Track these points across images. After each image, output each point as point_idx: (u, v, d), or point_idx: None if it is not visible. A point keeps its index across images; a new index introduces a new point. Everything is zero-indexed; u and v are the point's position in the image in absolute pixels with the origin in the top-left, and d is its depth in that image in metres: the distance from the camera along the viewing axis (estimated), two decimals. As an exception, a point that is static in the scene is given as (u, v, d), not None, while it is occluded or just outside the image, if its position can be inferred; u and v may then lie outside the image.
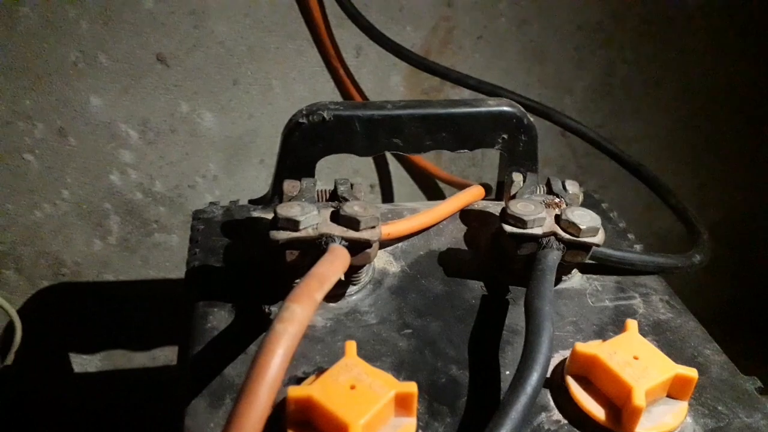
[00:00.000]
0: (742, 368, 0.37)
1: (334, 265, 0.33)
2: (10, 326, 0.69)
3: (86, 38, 0.61)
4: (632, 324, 0.35)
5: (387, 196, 0.76)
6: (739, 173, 0.88)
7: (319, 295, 0.29)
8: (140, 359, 0.78)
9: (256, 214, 0.46)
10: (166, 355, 0.79)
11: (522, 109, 0.46)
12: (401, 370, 0.34)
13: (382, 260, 0.42)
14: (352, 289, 0.39)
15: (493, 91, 0.64)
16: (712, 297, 0.96)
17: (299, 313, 0.27)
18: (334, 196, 0.41)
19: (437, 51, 0.69)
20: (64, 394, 0.77)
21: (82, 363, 0.77)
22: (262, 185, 0.71)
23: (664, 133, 0.83)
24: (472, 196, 0.47)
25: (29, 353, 0.68)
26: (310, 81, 0.67)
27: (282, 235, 0.35)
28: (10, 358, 0.64)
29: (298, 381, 0.33)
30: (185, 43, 0.63)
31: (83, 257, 0.71)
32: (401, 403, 0.30)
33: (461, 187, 0.72)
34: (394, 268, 0.42)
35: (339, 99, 0.69)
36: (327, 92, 0.68)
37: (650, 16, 0.74)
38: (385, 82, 0.70)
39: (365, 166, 0.73)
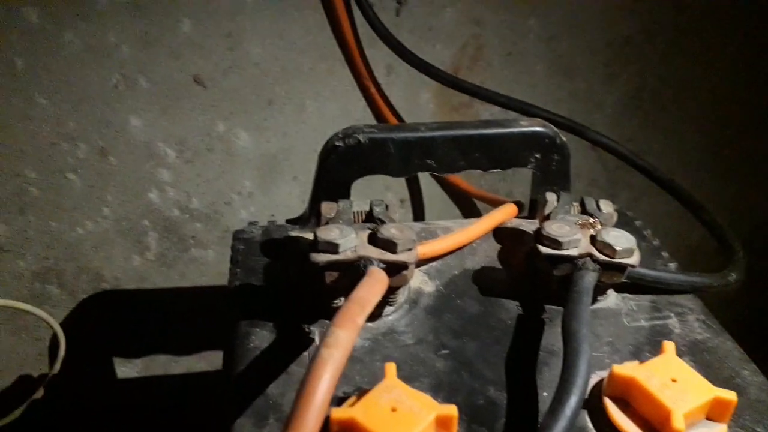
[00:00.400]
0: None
1: (373, 288, 0.34)
2: (55, 338, 0.71)
3: (127, 62, 0.63)
4: (669, 346, 0.35)
5: (417, 210, 0.76)
6: (773, 184, 0.87)
7: (361, 319, 0.30)
8: (181, 365, 0.80)
9: (294, 233, 0.47)
10: (204, 361, 0.81)
11: (554, 128, 0.46)
12: (439, 391, 0.35)
13: (417, 280, 0.43)
14: (388, 309, 0.40)
15: (522, 108, 0.64)
16: (745, 307, 0.95)
17: (343, 338, 0.28)
18: (370, 217, 0.42)
19: (467, 68, 0.70)
20: (108, 399, 0.80)
21: (124, 370, 0.79)
22: (295, 201, 0.73)
23: (695, 145, 0.82)
24: (505, 214, 0.48)
25: (74, 362, 0.70)
26: (342, 100, 0.68)
27: (322, 257, 0.36)
28: (56, 368, 0.66)
29: (339, 401, 0.33)
30: (221, 64, 0.64)
31: (122, 272, 0.73)
32: (442, 425, 0.31)
33: (491, 202, 0.73)
34: (429, 287, 0.43)
35: (370, 116, 0.70)
36: (358, 110, 0.69)
37: (680, 29, 0.74)
38: (415, 100, 0.71)
39: (396, 181, 0.74)
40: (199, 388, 0.82)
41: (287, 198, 0.72)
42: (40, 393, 0.66)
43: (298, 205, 0.73)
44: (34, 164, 0.66)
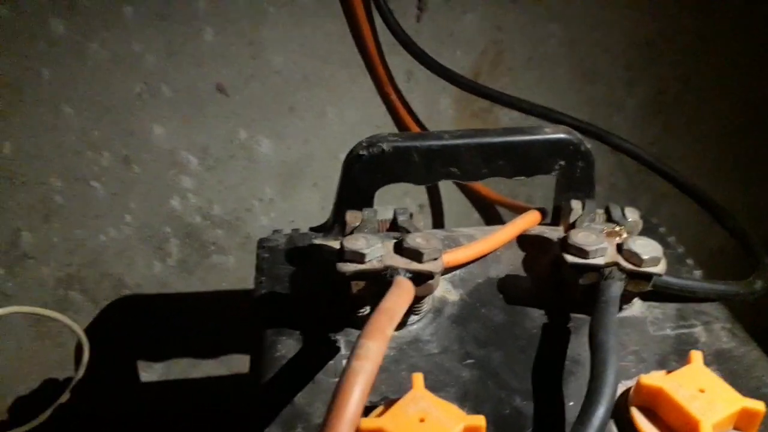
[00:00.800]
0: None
1: (401, 298, 0.34)
2: (77, 344, 0.72)
3: (150, 71, 0.64)
4: (697, 355, 0.35)
5: (437, 216, 0.77)
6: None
7: (390, 330, 0.31)
8: (201, 369, 0.81)
9: (318, 241, 0.47)
10: (224, 366, 0.82)
11: (579, 135, 0.46)
12: (465, 401, 0.35)
13: (441, 288, 0.43)
14: (413, 318, 0.40)
15: (543, 113, 0.64)
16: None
17: (373, 350, 0.28)
18: (394, 225, 0.42)
19: (487, 73, 0.70)
20: (130, 404, 0.81)
21: (145, 374, 0.80)
22: (315, 208, 0.73)
23: (716, 149, 0.81)
24: (528, 222, 0.48)
25: (96, 367, 0.71)
26: (363, 106, 0.69)
27: (348, 267, 0.37)
28: (79, 373, 0.67)
29: (366, 411, 0.34)
30: (243, 73, 0.65)
31: (144, 279, 0.74)
32: (470, 435, 0.31)
33: (512, 208, 0.73)
34: (454, 296, 0.43)
35: (390, 123, 0.70)
36: (379, 116, 0.69)
37: (701, 32, 0.73)
38: (436, 106, 0.71)
39: (414, 187, 0.74)
40: (219, 392, 0.83)
41: (308, 204, 0.73)
42: (63, 398, 0.67)
43: (319, 212, 0.73)
44: (59, 172, 0.67)
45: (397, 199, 0.74)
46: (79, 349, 0.70)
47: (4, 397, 0.77)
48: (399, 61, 0.68)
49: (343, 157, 0.45)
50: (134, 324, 0.77)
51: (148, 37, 0.62)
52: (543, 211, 0.50)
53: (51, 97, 0.63)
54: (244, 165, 0.70)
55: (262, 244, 0.48)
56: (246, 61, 0.65)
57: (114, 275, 0.73)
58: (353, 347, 0.28)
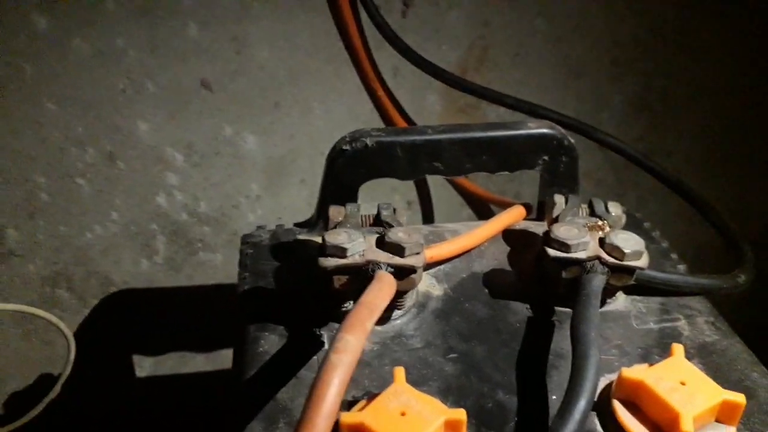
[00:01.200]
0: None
1: (382, 292, 0.34)
2: (64, 342, 0.72)
3: (134, 66, 0.63)
4: (678, 348, 0.35)
5: (426, 212, 0.77)
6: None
7: (370, 324, 0.30)
8: (189, 366, 0.81)
9: (302, 237, 0.47)
10: (211, 362, 0.81)
11: (562, 130, 0.46)
12: (448, 395, 0.35)
13: (425, 283, 0.43)
14: (396, 313, 0.40)
15: (530, 108, 0.64)
16: (755, 309, 0.94)
17: (353, 343, 0.28)
18: (377, 221, 0.42)
19: (473, 69, 0.70)
20: (117, 401, 0.80)
21: (133, 371, 0.80)
22: (302, 204, 0.73)
23: (703, 144, 0.82)
24: (513, 217, 0.48)
25: (83, 365, 0.70)
26: (349, 102, 0.69)
27: (330, 262, 0.37)
28: (66, 371, 0.67)
29: (348, 405, 0.34)
30: (228, 68, 0.65)
31: (131, 276, 0.74)
32: (451, 429, 0.31)
33: (499, 204, 0.73)
34: (437, 291, 0.43)
35: (377, 118, 0.70)
36: (365, 112, 0.69)
37: (687, 28, 0.74)
38: (422, 101, 0.71)
39: (403, 184, 0.74)
40: (207, 388, 0.83)
41: (295, 201, 0.73)
42: (50, 396, 0.67)
43: (306, 208, 0.73)
44: (43, 169, 0.66)
45: (386, 196, 0.74)
46: (64, 347, 0.70)
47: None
48: (385, 57, 0.67)
49: (329, 152, 0.45)
50: (121, 321, 0.76)
51: (131, 32, 0.62)
52: (528, 207, 0.50)
53: (33, 93, 0.63)
54: (229, 161, 0.69)
55: (245, 240, 0.47)
56: (231, 57, 0.64)
57: (101, 273, 0.73)
58: (332, 341, 0.28)
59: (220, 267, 0.75)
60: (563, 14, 0.69)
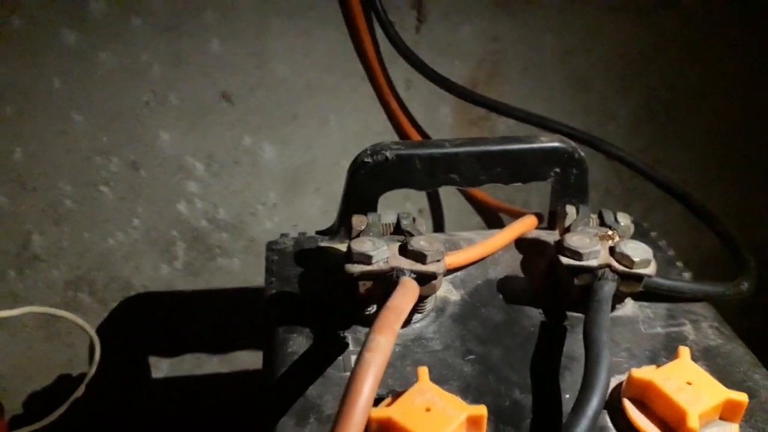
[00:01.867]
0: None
1: (406, 297, 0.36)
2: (87, 343, 0.74)
3: (157, 80, 0.66)
4: (684, 351, 0.37)
5: (437, 220, 0.79)
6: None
7: (398, 326, 0.33)
8: (206, 368, 0.83)
9: (324, 244, 0.49)
10: (232, 361, 0.84)
11: (573, 144, 0.48)
12: (467, 393, 0.37)
13: (443, 289, 0.45)
14: (417, 317, 0.42)
15: (539, 121, 0.66)
16: (760, 315, 0.96)
17: (383, 343, 0.30)
18: (397, 229, 0.44)
19: (484, 83, 0.72)
20: (140, 400, 0.83)
21: (152, 372, 0.82)
22: (317, 212, 0.75)
23: (707, 155, 0.84)
24: (525, 226, 0.50)
25: (105, 367, 0.73)
26: (364, 114, 0.71)
27: (356, 268, 0.39)
28: (90, 372, 0.69)
29: (375, 402, 0.36)
30: (248, 81, 0.67)
31: (151, 281, 0.76)
32: (472, 424, 0.33)
33: (508, 212, 0.75)
34: (455, 296, 0.45)
35: (391, 130, 0.72)
36: (379, 124, 0.72)
37: (691, 42, 0.76)
38: (435, 114, 0.73)
39: (415, 192, 0.76)
40: (224, 389, 0.85)
41: (310, 209, 0.75)
42: (74, 396, 0.69)
43: (320, 216, 0.75)
44: (69, 178, 0.69)
45: (398, 203, 0.76)
46: (89, 348, 0.72)
47: (15, 395, 0.79)
48: (399, 71, 0.70)
49: (344, 163, 0.47)
50: (141, 324, 0.79)
51: (155, 47, 0.64)
52: (539, 216, 0.52)
53: (61, 105, 0.65)
54: (248, 171, 0.72)
55: (270, 246, 0.50)
56: (251, 71, 0.67)
57: (122, 278, 0.75)
58: (364, 341, 0.31)
59: (237, 272, 0.77)
60: (571, 30, 0.71)
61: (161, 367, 0.82)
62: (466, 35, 0.70)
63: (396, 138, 0.73)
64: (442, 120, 0.74)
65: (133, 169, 0.70)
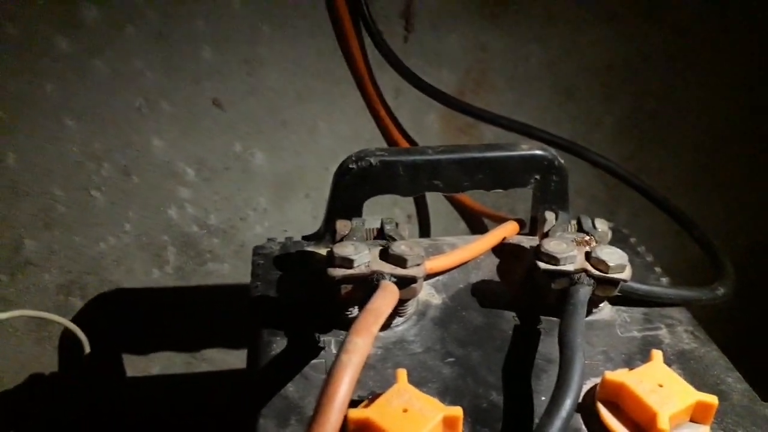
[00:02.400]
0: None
1: (386, 300, 0.37)
2: (79, 347, 0.75)
3: (150, 86, 0.67)
4: (657, 354, 0.38)
5: (423, 225, 0.80)
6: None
7: (376, 328, 0.34)
8: (199, 366, 0.84)
9: (309, 248, 0.50)
10: (223, 360, 0.84)
11: (553, 151, 0.49)
12: (446, 395, 0.38)
13: (425, 293, 0.46)
14: (398, 320, 0.43)
15: (524, 129, 0.67)
16: (744, 320, 0.97)
17: (361, 345, 0.31)
18: (381, 234, 0.45)
19: (471, 91, 0.74)
20: (130, 402, 0.83)
21: (142, 373, 0.83)
22: (307, 217, 0.76)
23: (692, 163, 0.85)
24: (507, 232, 0.51)
25: (95, 369, 0.73)
26: (353, 121, 0.72)
27: (338, 272, 0.40)
28: (81, 373, 0.69)
29: (355, 404, 0.37)
30: (239, 89, 0.68)
31: (142, 285, 0.77)
32: (448, 425, 0.34)
33: (493, 218, 0.76)
34: (436, 300, 0.46)
35: (379, 137, 0.73)
36: (368, 131, 0.73)
37: (675, 52, 0.77)
38: (422, 121, 0.74)
39: (403, 198, 0.77)
40: (214, 389, 0.85)
41: (300, 214, 0.76)
42: (61, 399, 0.70)
43: (310, 221, 0.76)
44: (60, 182, 0.70)
45: (387, 209, 0.77)
46: (78, 352, 0.73)
47: (3, 398, 0.79)
48: (387, 79, 0.71)
49: (333, 168, 0.48)
50: (131, 326, 0.79)
51: (148, 55, 0.65)
52: (521, 222, 0.53)
53: (54, 110, 0.66)
54: (238, 176, 0.73)
55: (257, 251, 0.51)
56: (242, 78, 0.68)
57: (113, 281, 0.76)
58: (342, 342, 0.31)
59: (227, 277, 0.78)
60: (556, 40, 0.73)
61: (151, 368, 0.82)
62: (454, 45, 0.71)
63: (385, 145, 0.74)
64: (429, 127, 0.75)
65: (124, 174, 0.71)
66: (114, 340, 0.79)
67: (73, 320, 0.72)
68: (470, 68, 0.73)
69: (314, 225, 0.52)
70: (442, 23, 0.70)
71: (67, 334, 0.71)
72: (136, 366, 0.82)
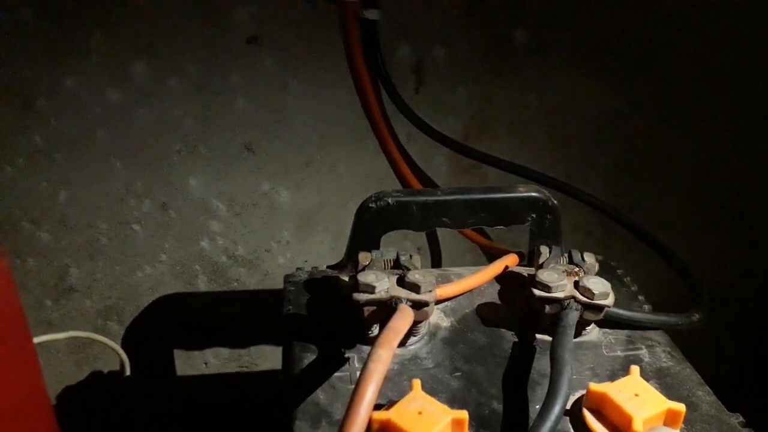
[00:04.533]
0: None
1: (403, 320, 0.44)
2: (121, 366, 0.81)
3: (189, 132, 0.75)
4: (635, 369, 0.45)
5: (434, 257, 0.87)
6: (756, 233, 0.97)
7: (396, 343, 0.40)
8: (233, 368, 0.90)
9: (333, 276, 0.57)
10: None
11: (547, 193, 0.56)
12: (454, 403, 0.45)
13: (435, 316, 0.53)
14: (412, 339, 0.50)
15: (523, 172, 0.75)
16: (734, 347, 1.03)
17: (384, 356, 0.38)
18: (397, 264, 0.52)
19: (475, 136, 0.81)
20: (166, 413, 0.89)
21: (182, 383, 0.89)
22: (326, 249, 0.83)
23: (680, 201, 0.92)
24: (508, 262, 0.58)
25: (134, 388, 0.80)
26: (369, 162, 0.80)
27: (362, 296, 0.47)
28: (121, 394, 0.76)
29: (377, 408, 0.43)
30: (268, 134, 0.76)
31: (174, 310, 0.84)
32: (456, 426, 0.40)
33: (497, 251, 0.83)
34: (445, 322, 0.53)
35: (392, 176, 0.80)
36: (382, 171, 0.80)
37: (663, 100, 0.85)
38: (431, 163, 0.82)
39: (414, 232, 0.84)
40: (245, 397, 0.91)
41: (319, 246, 0.83)
42: (103, 414, 0.76)
43: (329, 252, 0.83)
44: (105, 217, 0.77)
45: (398, 242, 0.84)
46: (119, 372, 0.79)
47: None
48: (400, 125, 0.79)
49: (351, 205, 0.55)
50: (164, 348, 0.86)
51: (188, 104, 0.74)
52: (521, 254, 0.60)
53: (103, 153, 0.74)
54: (265, 212, 0.80)
55: (288, 279, 0.58)
56: (271, 125, 0.76)
57: (148, 307, 0.83)
58: (368, 354, 0.38)
59: (253, 302, 0.85)
60: (554, 91, 0.81)
61: (185, 384, 0.88)
62: (460, 96, 0.79)
63: (397, 183, 0.81)
64: (438, 168, 0.82)
65: (163, 210, 0.78)
66: (149, 359, 0.86)
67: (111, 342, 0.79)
68: (474, 116, 0.81)
69: (332, 255, 0.59)
70: (450, 77, 0.78)
71: (105, 355, 0.78)
72: (170, 383, 0.88)
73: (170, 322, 0.84)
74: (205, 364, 0.88)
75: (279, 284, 0.57)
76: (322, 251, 0.84)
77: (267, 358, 0.88)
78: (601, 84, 0.82)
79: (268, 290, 0.84)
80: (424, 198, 0.55)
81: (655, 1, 0.77)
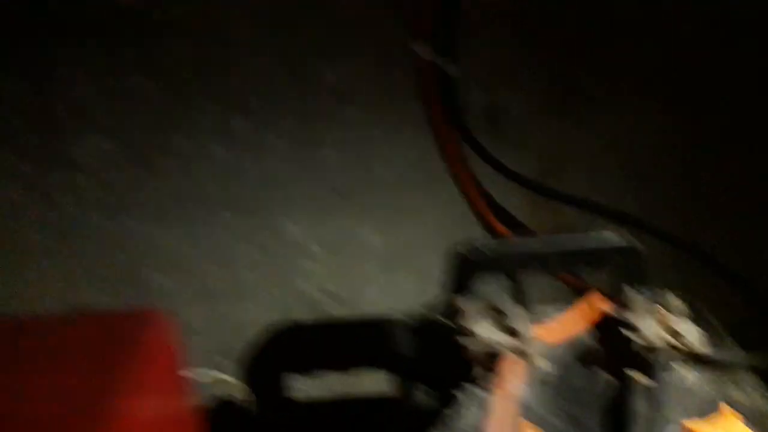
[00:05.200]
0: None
1: (512, 372, 0.49)
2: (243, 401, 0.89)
3: (288, 181, 0.83)
4: (726, 407, 0.49)
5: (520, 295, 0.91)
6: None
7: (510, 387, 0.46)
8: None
9: (436, 320, 0.62)
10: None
11: (631, 238, 0.61)
12: (558, 440, 0.50)
13: (537, 359, 0.58)
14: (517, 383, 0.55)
15: (601, 210, 0.79)
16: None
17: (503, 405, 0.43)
18: (497, 310, 0.57)
19: (553, 176, 0.86)
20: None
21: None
22: (414, 290, 0.88)
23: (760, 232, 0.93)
24: (599, 304, 0.62)
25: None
26: (450, 205, 0.84)
27: (468, 341, 0.52)
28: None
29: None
30: (359, 182, 0.83)
31: (279, 348, 0.91)
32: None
33: (586, 290, 0.86)
34: (546, 365, 0.57)
35: (472, 217, 0.86)
36: (463, 212, 0.85)
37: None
38: (510, 202, 0.85)
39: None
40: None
41: (408, 288, 0.89)
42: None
43: (417, 293, 0.88)
44: (215, 260, 0.85)
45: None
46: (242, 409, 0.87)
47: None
48: (478, 167, 0.84)
49: (436, 247, 0.61)
50: (275, 384, 0.93)
51: (288, 157, 0.81)
52: (609, 297, 0.64)
53: (213, 206, 0.83)
54: (357, 253, 0.87)
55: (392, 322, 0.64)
56: (360, 174, 0.83)
57: (256, 344, 0.90)
58: (492, 402, 0.44)
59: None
60: (625, 127, 0.84)
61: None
62: (535, 136, 0.84)
63: (476, 222, 0.86)
64: (517, 208, 0.87)
65: (264, 252, 0.86)
66: (263, 393, 0.92)
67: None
68: (550, 156, 0.85)
69: (420, 298, 0.64)
70: (523, 119, 0.83)
71: (229, 389, 0.86)
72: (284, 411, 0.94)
73: (276, 355, 0.91)
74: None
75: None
76: (410, 292, 0.89)
77: (363, 385, 0.93)
78: (672, 118, 0.85)
79: (359, 323, 0.90)
80: (515, 249, 0.60)
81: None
